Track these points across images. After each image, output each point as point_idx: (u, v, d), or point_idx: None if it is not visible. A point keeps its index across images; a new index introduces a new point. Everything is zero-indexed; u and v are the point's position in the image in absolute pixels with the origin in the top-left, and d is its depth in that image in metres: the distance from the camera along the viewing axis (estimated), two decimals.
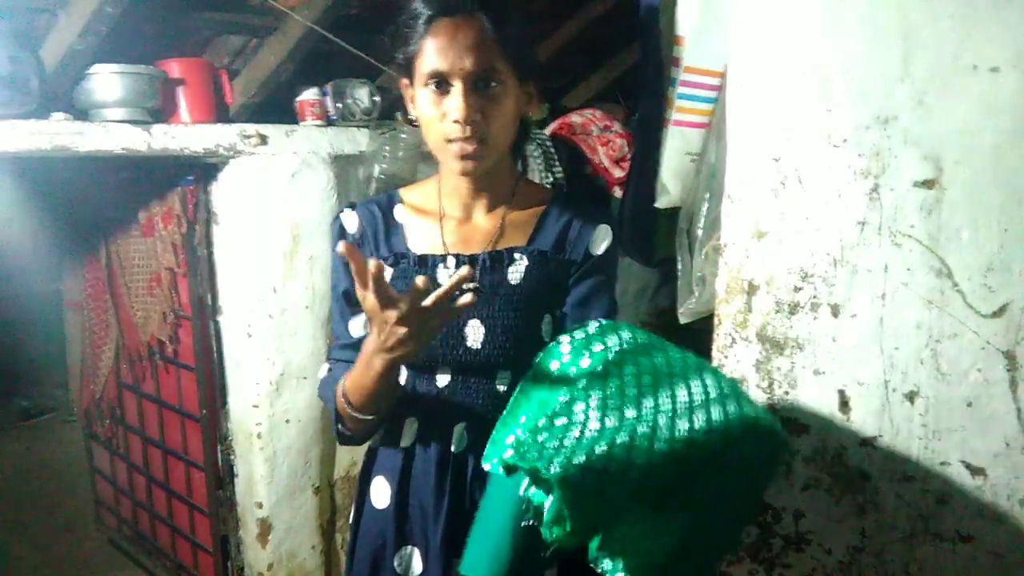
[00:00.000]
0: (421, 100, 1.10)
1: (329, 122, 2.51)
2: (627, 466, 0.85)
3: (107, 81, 1.99)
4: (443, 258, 1.17)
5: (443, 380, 1.18)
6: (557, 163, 2.54)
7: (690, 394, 0.93)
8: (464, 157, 1.09)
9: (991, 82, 1.09)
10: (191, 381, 2.61)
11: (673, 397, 0.92)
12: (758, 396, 1.32)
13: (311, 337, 2.53)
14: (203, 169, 2.38)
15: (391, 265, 1.19)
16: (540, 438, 0.90)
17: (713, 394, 0.94)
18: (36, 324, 4.37)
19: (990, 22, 1.08)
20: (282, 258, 2.44)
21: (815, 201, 1.23)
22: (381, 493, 1.23)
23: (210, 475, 2.62)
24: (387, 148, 2.44)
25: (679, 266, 1.77)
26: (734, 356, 1.33)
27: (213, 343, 2.51)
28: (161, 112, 2.15)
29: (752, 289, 1.30)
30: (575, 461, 0.84)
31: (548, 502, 0.87)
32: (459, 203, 1.20)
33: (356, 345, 1.22)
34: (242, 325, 2.44)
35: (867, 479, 1.26)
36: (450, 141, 1.09)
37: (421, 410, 1.20)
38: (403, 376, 1.23)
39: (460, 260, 1.16)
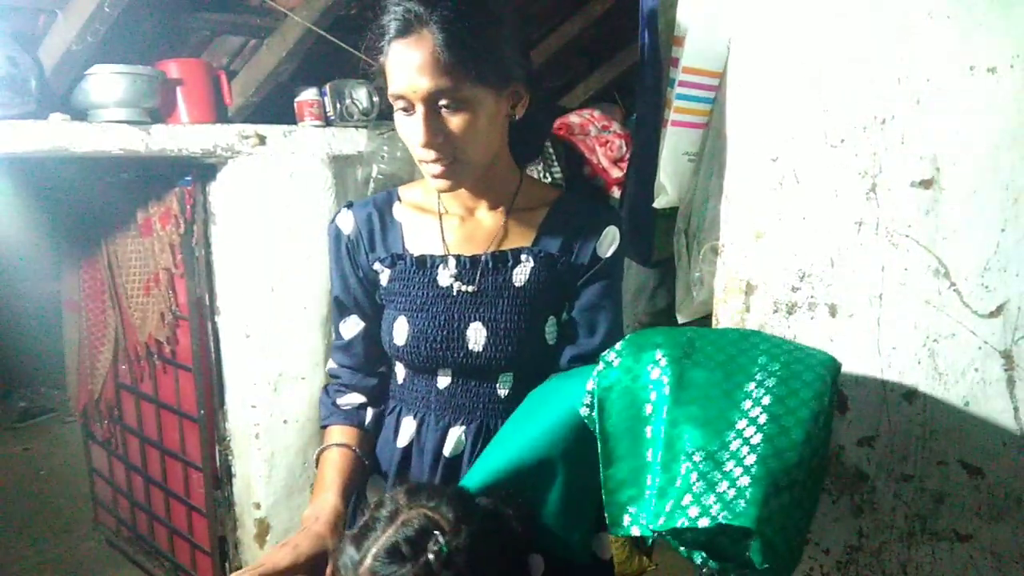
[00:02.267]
0: (395, 117, 1.07)
1: (328, 122, 2.51)
2: (788, 468, 0.82)
3: (106, 82, 1.99)
4: (443, 259, 1.16)
5: (443, 382, 1.17)
6: (555, 163, 2.54)
7: (764, 371, 0.90)
8: (438, 177, 1.07)
9: (989, 83, 1.10)
10: (189, 381, 2.60)
11: (758, 383, 0.89)
12: None
13: (309, 337, 2.53)
14: (201, 169, 2.38)
15: (388, 266, 1.18)
16: (682, 488, 0.85)
17: (778, 363, 0.91)
18: (34, 324, 4.36)
19: (988, 23, 1.09)
20: (280, 258, 2.44)
21: (813, 201, 1.24)
22: (377, 491, 1.23)
23: (208, 475, 2.62)
24: (385, 148, 2.45)
25: (677, 266, 1.77)
26: None
27: (211, 343, 2.51)
28: (160, 112, 2.15)
29: (750, 289, 1.30)
30: (751, 495, 0.81)
31: (746, 548, 0.82)
32: (460, 201, 1.18)
33: (347, 346, 1.24)
34: (240, 325, 2.44)
35: (865, 479, 1.26)
36: (422, 162, 1.07)
37: (419, 410, 1.20)
38: (402, 375, 1.23)
39: (461, 261, 1.15)
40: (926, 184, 1.15)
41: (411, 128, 1.04)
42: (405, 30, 1.00)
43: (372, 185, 2.45)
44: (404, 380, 1.22)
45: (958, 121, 1.12)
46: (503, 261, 1.14)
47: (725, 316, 1.34)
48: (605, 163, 2.78)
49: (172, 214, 2.46)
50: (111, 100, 2.01)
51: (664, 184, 1.69)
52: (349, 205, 1.24)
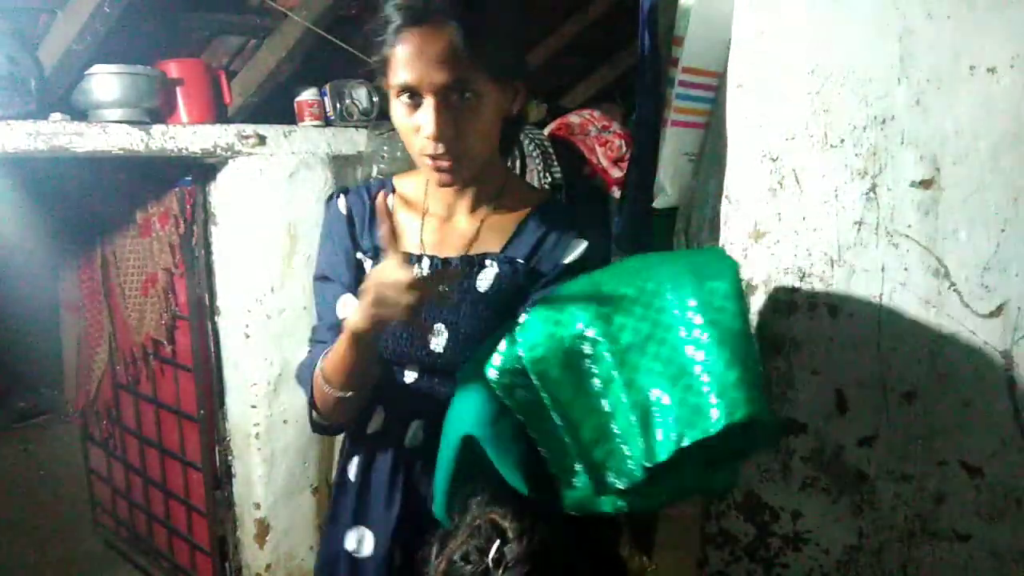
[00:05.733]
0: (395, 109, 1.06)
1: (327, 122, 2.51)
2: (740, 348, 0.90)
3: (105, 82, 1.99)
4: (418, 258, 1.15)
5: (410, 376, 1.18)
6: (555, 163, 2.54)
7: (676, 291, 0.96)
8: (441, 172, 1.06)
9: (989, 83, 1.10)
10: (189, 382, 2.60)
11: (678, 304, 0.95)
12: None
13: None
14: (201, 169, 2.38)
15: (371, 258, 1.18)
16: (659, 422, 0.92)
17: (687, 280, 0.95)
18: (33, 324, 4.35)
19: (988, 23, 1.09)
20: (280, 258, 2.44)
21: (813, 201, 1.24)
22: (353, 470, 1.25)
23: (208, 476, 2.62)
24: (385, 148, 2.44)
25: None
26: None
27: (211, 343, 2.51)
28: (159, 112, 2.15)
29: (750, 289, 1.30)
30: (735, 390, 0.88)
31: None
32: (443, 200, 1.18)
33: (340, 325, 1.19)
34: (240, 325, 2.44)
35: (865, 479, 1.26)
36: (425, 155, 1.05)
37: (387, 402, 1.21)
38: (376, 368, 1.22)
39: (434, 262, 1.15)
40: (926, 184, 1.15)
41: (419, 119, 1.02)
42: (420, 18, 0.98)
43: None
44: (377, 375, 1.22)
45: (958, 121, 1.12)
46: (471, 265, 1.14)
47: None
48: (605, 163, 2.78)
49: (172, 214, 2.46)
50: (111, 100, 2.01)
51: (664, 184, 1.69)
52: (345, 191, 1.23)
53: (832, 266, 1.23)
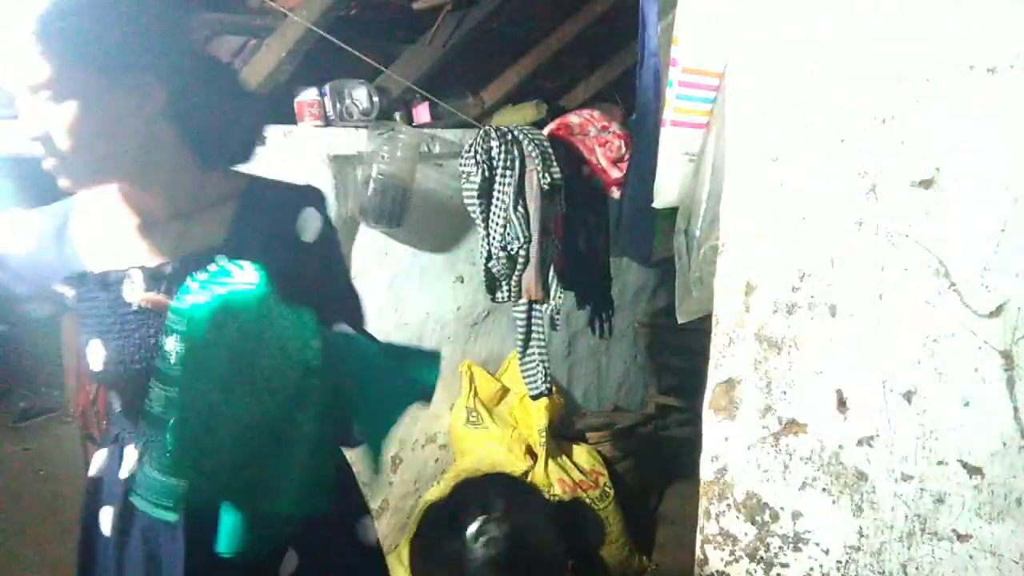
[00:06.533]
0: None
1: (327, 123, 2.51)
2: None
3: None
4: (128, 272, 1.05)
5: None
6: (555, 164, 2.55)
7: None
8: (53, 173, 0.98)
9: (989, 82, 1.10)
10: None
11: None
12: (756, 396, 1.33)
13: None
14: None
15: (71, 287, 1.08)
16: None
17: None
18: (34, 324, 4.35)
19: (988, 23, 1.09)
20: None
21: (813, 201, 1.24)
22: (107, 521, 1.17)
23: None
24: (386, 149, 2.44)
25: (677, 266, 1.77)
26: (732, 356, 1.33)
27: None
28: None
29: (750, 289, 1.30)
30: None
31: None
32: (135, 207, 1.06)
33: None
34: None
35: (865, 478, 1.26)
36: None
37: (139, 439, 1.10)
38: (117, 403, 1.13)
39: (147, 273, 1.05)
40: (926, 184, 1.15)
41: None
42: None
43: (372, 185, 2.45)
44: (121, 407, 1.13)
45: (958, 121, 1.12)
46: (193, 266, 1.00)
47: (725, 316, 1.34)
48: (604, 163, 2.78)
49: None
50: None
51: (664, 184, 1.70)
52: (28, 208, 1.16)
53: (832, 266, 1.23)
